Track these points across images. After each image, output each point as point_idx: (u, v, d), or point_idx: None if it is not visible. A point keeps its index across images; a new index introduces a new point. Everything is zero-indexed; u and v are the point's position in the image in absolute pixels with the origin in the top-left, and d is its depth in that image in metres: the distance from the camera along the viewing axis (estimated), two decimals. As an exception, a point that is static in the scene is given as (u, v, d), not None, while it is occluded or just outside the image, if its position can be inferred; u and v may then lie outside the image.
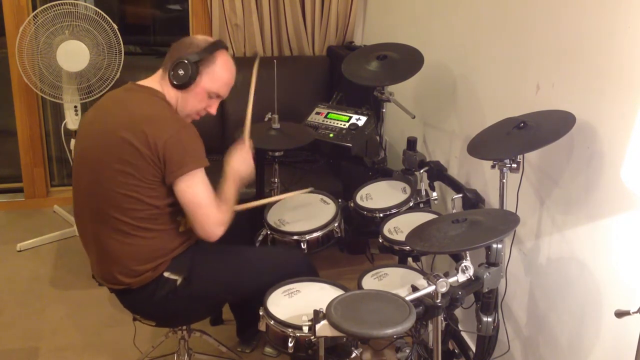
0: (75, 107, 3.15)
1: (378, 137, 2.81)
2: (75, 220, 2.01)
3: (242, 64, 3.52)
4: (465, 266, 1.69)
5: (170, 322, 2.12)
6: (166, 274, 1.90)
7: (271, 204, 2.40)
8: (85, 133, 1.93)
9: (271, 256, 2.14)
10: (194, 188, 1.81)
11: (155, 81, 1.92)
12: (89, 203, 1.89)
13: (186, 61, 1.86)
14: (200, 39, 1.93)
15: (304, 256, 2.17)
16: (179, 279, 1.90)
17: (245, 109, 2.17)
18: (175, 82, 1.88)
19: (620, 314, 1.36)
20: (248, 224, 2.48)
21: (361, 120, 2.76)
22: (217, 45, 1.93)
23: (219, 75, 1.92)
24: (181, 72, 1.87)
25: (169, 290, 1.90)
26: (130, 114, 1.83)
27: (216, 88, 1.93)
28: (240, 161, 2.02)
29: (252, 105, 2.18)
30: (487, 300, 1.85)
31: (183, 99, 1.91)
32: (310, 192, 2.37)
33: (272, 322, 1.77)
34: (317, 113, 2.87)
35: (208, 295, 1.99)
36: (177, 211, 1.88)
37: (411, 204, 2.30)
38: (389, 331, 1.45)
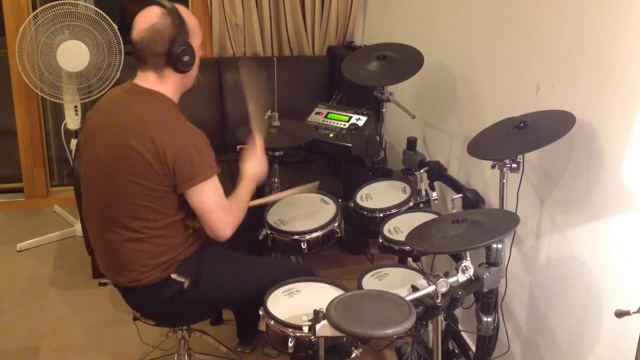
0: (75, 107, 3.15)
1: (378, 137, 2.81)
2: (84, 220, 2.00)
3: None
4: (465, 266, 1.69)
5: (171, 322, 2.12)
6: (173, 276, 1.90)
7: (273, 203, 2.40)
8: (93, 140, 1.90)
9: (274, 267, 2.15)
10: (204, 196, 1.82)
11: (150, 83, 1.85)
12: (100, 209, 1.88)
13: (179, 44, 1.80)
14: (156, 20, 1.79)
15: (306, 268, 2.17)
16: (186, 282, 1.90)
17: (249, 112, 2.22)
18: (185, 68, 1.84)
19: (620, 314, 1.36)
20: (248, 224, 2.48)
21: (361, 120, 2.76)
22: (175, 9, 1.81)
23: (197, 30, 1.88)
24: (186, 58, 1.83)
25: (175, 291, 1.90)
26: (138, 123, 1.80)
27: (200, 40, 1.90)
28: (255, 161, 2.08)
29: (252, 106, 2.21)
30: (487, 300, 1.85)
31: (187, 77, 1.90)
32: (315, 187, 2.35)
33: (272, 322, 1.77)
34: (317, 113, 2.87)
35: (213, 299, 2.00)
36: (188, 215, 1.90)
37: (411, 204, 2.30)
38: (389, 331, 1.45)
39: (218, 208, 1.86)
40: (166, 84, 1.86)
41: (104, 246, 1.92)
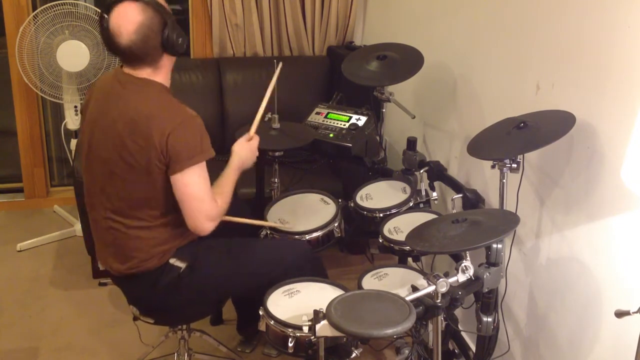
0: (75, 107, 3.15)
1: (378, 137, 2.81)
2: (87, 209, 1.99)
3: (243, 63, 3.55)
4: (465, 266, 1.69)
5: (170, 316, 2.11)
6: (172, 261, 1.91)
7: (273, 204, 2.40)
8: (90, 131, 1.90)
9: (275, 249, 2.14)
10: (190, 180, 1.79)
11: (142, 74, 1.83)
12: (105, 200, 1.89)
13: (173, 32, 1.79)
14: (142, 16, 1.76)
15: (308, 249, 2.16)
16: (182, 266, 1.91)
17: (259, 105, 2.20)
18: (183, 50, 1.84)
19: (620, 314, 1.36)
20: (248, 224, 2.49)
21: (361, 120, 2.76)
22: (155, 2, 1.80)
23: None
24: (180, 40, 1.82)
25: (172, 277, 1.91)
26: (133, 112, 1.79)
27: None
28: (247, 149, 2.06)
29: (266, 104, 2.20)
30: (487, 300, 1.85)
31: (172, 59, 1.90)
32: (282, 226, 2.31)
33: (272, 322, 1.77)
34: (317, 113, 2.87)
35: (210, 286, 1.99)
36: None
37: (411, 204, 2.30)
38: (389, 331, 1.45)
39: (202, 197, 1.82)
40: (160, 73, 1.86)
41: (108, 235, 1.92)
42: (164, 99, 1.84)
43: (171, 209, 1.86)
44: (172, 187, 1.81)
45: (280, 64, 2.29)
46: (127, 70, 1.85)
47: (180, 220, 1.88)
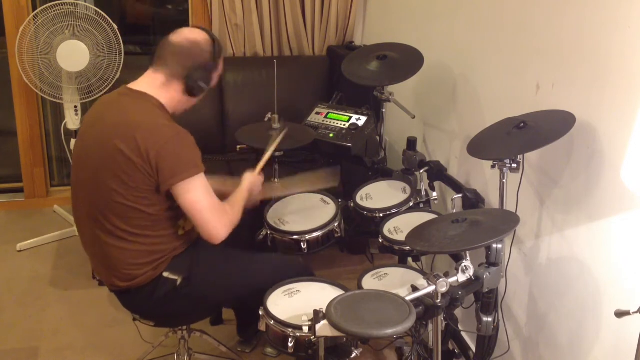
0: (75, 107, 3.15)
1: (378, 137, 2.81)
2: (75, 222, 2.01)
3: (243, 63, 3.55)
4: (465, 266, 1.69)
5: (170, 322, 2.12)
6: (165, 274, 1.90)
7: (273, 204, 2.41)
8: (82, 139, 1.93)
9: (270, 261, 2.14)
10: (191, 194, 1.80)
11: (149, 85, 1.87)
12: (87, 208, 1.89)
13: (205, 72, 1.89)
14: (202, 40, 1.90)
15: (302, 261, 2.17)
16: (178, 279, 1.90)
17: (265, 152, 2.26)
18: (193, 93, 1.90)
19: (620, 314, 1.36)
20: (248, 224, 2.49)
21: (361, 120, 2.76)
22: (220, 49, 1.95)
23: (221, 67, 1.99)
24: (202, 84, 1.90)
25: (168, 290, 1.90)
26: (123, 122, 1.81)
27: (218, 75, 1.99)
28: (254, 180, 2.11)
29: (269, 152, 2.25)
30: (487, 300, 1.85)
31: (189, 101, 1.94)
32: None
33: (272, 322, 1.78)
34: (317, 113, 2.88)
35: (207, 296, 2.00)
36: (176, 215, 1.88)
37: (411, 204, 2.31)
38: (389, 331, 1.45)
39: (209, 207, 1.83)
40: (167, 93, 1.88)
41: (94, 247, 1.92)
42: (153, 113, 1.84)
43: (153, 219, 1.84)
44: (177, 202, 1.81)
45: (286, 129, 2.39)
46: (132, 84, 1.89)
47: (165, 232, 1.88)
